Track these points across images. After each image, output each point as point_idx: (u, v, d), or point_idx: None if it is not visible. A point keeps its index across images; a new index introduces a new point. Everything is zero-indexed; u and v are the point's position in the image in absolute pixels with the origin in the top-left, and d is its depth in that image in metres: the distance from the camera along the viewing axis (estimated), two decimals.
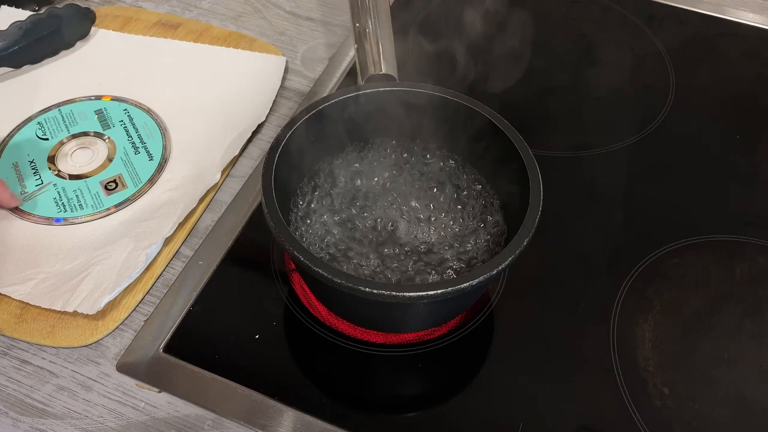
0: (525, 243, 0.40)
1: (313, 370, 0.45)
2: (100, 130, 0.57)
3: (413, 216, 0.47)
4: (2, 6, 0.66)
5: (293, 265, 0.49)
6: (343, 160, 0.50)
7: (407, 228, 0.46)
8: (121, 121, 0.58)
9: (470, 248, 0.45)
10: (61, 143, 0.56)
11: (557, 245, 0.52)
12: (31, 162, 0.54)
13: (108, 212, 0.51)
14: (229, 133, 0.57)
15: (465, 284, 0.38)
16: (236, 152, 0.56)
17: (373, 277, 0.44)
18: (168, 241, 0.50)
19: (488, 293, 0.49)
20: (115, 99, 0.59)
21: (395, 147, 0.51)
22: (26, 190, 0.52)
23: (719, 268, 0.52)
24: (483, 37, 0.63)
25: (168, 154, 0.55)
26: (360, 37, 0.53)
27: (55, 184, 0.53)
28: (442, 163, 0.50)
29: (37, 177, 0.53)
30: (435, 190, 0.49)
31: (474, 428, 0.43)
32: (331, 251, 0.45)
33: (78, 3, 0.64)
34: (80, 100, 0.59)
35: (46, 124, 0.57)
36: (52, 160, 0.55)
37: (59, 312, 0.46)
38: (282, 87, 0.63)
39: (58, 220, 0.51)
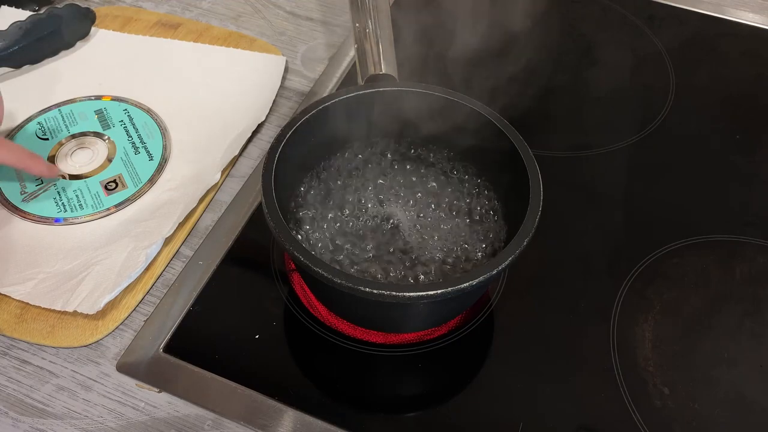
0: (525, 243, 0.40)
1: (313, 370, 0.45)
2: (100, 130, 0.57)
3: (413, 216, 0.47)
4: (2, 6, 0.66)
5: (293, 265, 0.49)
6: (343, 160, 0.50)
7: (407, 228, 0.46)
8: (121, 121, 0.58)
9: (470, 248, 0.45)
10: (61, 143, 0.56)
11: (557, 245, 0.52)
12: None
13: (108, 212, 0.51)
14: (229, 133, 0.57)
15: (465, 284, 0.38)
16: (236, 152, 0.56)
17: (373, 276, 0.44)
18: (168, 241, 0.50)
19: (488, 293, 0.49)
20: (115, 99, 0.59)
21: (395, 147, 0.51)
22: (26, 190, 0.52)
23: (719, 268, 0.52)
24: (483, 37, 0.63)
25: (168, 154, 0.55)
26: (360, 37, 0.53)
27: (55, 184, 0.53)
28: (442, 163, 0.50)
29: (37, 177, 0.53)
30: (435, 190, 0.49)
31: (474, 428, 0.43)
32: (331, 251, 0.45)
33: (78, 3, 0.64)
34: (80, 100, 0.59)
35: (46, 124, 0.57)
36: (52, 160, 0.55)
37: (59, 312, 0.46)
38: (282, 87, 0.63)
39: (58, 220, 0.51)
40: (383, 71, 0.50)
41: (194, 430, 0.42)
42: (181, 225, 0.51)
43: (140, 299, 0.48)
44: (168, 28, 0.67)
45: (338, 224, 0.46)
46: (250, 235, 0.52)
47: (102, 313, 0.46)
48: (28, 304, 0.46)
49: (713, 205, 0.56)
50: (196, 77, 0.62)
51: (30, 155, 0.50)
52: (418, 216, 0.47)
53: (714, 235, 0.54)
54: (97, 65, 0.62)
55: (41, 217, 0.51)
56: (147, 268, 0.49)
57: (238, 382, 0.44)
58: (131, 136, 0.56)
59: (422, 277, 0.44)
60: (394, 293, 0.37)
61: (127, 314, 0.47)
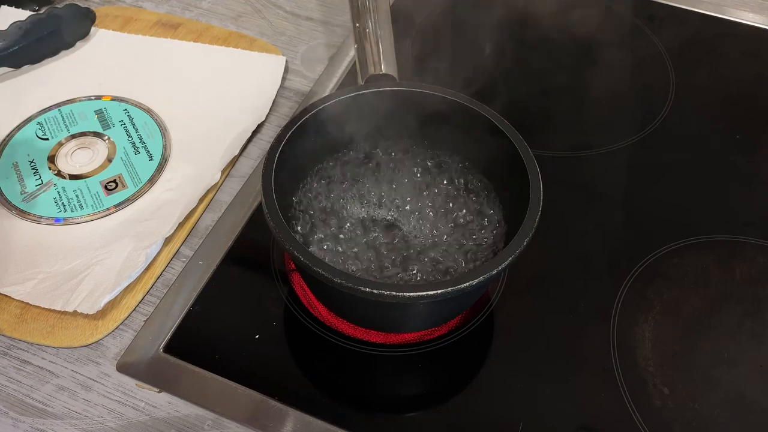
0: (525, 243, 0.40)
1: (313, 370, 0.45)
2: (100, 130, 0.57)
3: (413, 215, 0.47)
4: (2, 6, 0.66)
5: (293, 265, 0.49)
6: (342, 160, 0.50)
7: (407, 227, 0.46)
8: (121, 121, 0.58)
9: (470, 248, 0.45)
10: (61, 143, 0.56)
11: (557, 245, 0.52)
12: (31, 162, 0.54)
13: (108, 212, 0.51)
14: (229, 132, 0.57)
15: (465, 284, 0.38)
16: (236, 152, 0.56)
17: (373, 276, 0.44)
18: (168, 241, 0.50)
19: (488, 293, 0.49)
20: (115, 99, 0.59)
21: (395, 147, 0.51)
22: (26, 190, 0.52)
23: (719, 268, 0.52)
24: (483, 37, 0.63)
25: (168, 154, 0.55)
26: (360, 37, 0.53)
27: (55, 184, 0.53)
28: (442, 163, 0.50)
29: (37, 177, 0.53)
30: (435, 189, 0.49)
31: (474, 428, 0.43)
32: (331, 251, 0.45)
33: (78, 3, 0.64)
34: (80, 100, 0.59)
35: (46, 124, 0.57)
36: (52, 159, 0.55)
37: (59, 312, 0.46)
38: (282, 87, 0.63)
39: (58, 220, 0.51)
40: (383, 71, 0.50)
41: (194, 430, 0.42)
42: (181, 225, 0.51)
43: (140, 299, 0.48)
44: (168, 28, 0.67)
45: (338, 224, 0.46)
46: (250, 235, 0.52)
47: (102, 313, 0.46)
48: (28, 304, 0.46)
49: (713, 205, 0.56)
50: (196, 77, 0.62)
51: None
52: (418, 216, 0.47)
53: (714, 235, 0.54)
54: (97, 65, 0.63)
55: (41, 217, 0.51)
56: (147, 268, 0.49)
57: (238, 382, 0.44)
58: (131, 136, 0.56)
59: (422, 276, 0.44)
60: (394, 293, 0.37)
61: (127, 314, 0.47)
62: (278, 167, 0.43)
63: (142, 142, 0.56)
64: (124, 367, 0.44)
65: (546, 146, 0.58)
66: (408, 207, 0.48)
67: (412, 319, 0.44)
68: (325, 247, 0.45)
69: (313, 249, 0.45)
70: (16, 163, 0.54)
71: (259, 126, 0.59)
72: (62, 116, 0.58)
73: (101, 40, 0.65)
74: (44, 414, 0.43)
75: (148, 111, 0.58)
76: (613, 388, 0.45)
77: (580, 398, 0.44)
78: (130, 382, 0.44)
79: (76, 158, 0.55)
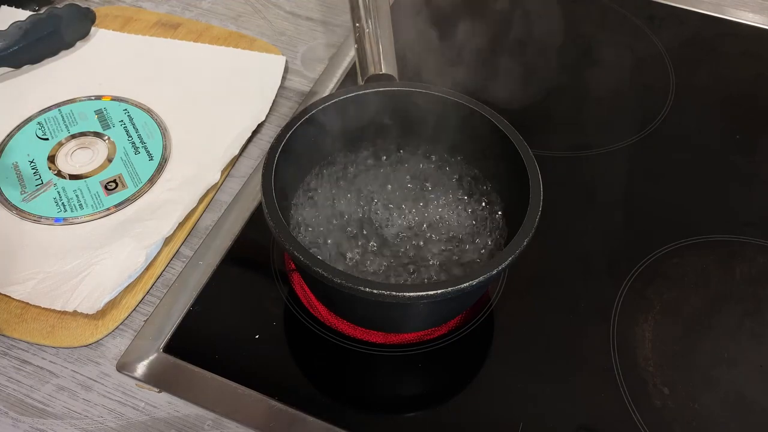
0: (525, 243, 0.40)
1: (313, 370, 0.45)
2: (100, 130, 0.57)
3: (413, 215, 0.47)
4: (2, 6, 0.66)
5: (293, 265, 0.49)
6: (342, 160, 0.50)
7: (407, 227, 0.46)
8: (121, 121, 0.58)
9: (470, 248, 0.45)
10: (61, 143, 0.56)
11: (557, 245, 0.52)
12: (31, 162, 0.54)
13: (108, 212, 0.51)
14: (229, 132, 0.57)
15: (465, 284, 0.38)
16: (236, 152, 0.56)
17: (373, 276, 0.44)
18: (168, 241, 0.50)
19: (488, 293, 0.49)
20: (115, 99, 0.59)
21: (395, 147, 0.51)
22: (26, 190, 0.52)
23: (719, 268, 0.52)
24: (483, 37, 0.63)
25: (168, 154, 0.55)
26: (360, 37, 0.53)
27: (55, 184, 0.53)
28: (441, 163, 0.50)
29: (37, 177, 0.53)
30: (435, 189, 0.49)
31: (474, 428, 0.43)
32: (331, 251, 0.45)
33: (78, 3, 0.64)
34: (80, 100, 0.59)
35: (46, 124, 0.57)
36: (52, 159, 0.55)
37: (59, 312, 0.46)
38: (282, 87, 0.63)
39: (58, 220, 0.51)
40: (383, 71, 0.50)
41: (194, 430, 0.42)
42: (181, 225, 0.51)
43: (140, 299, 0.48)
44: (168, 28, 0.67)
45: (338, 224, 0.46)
46: (250, 235, 0.52)
47: (102, 313, 0.46)
48: (28, 304, 0.46)
49: (713, 205, 0.56)
50: (196, 77, 0.62)
51: None
52: (418, 215, 0.47)
53: (714, 235, 0.54)
54: (97, 65, 0.63)
55: (41, 217, 0.51)
56: (147, 268, 0.49)
57: (238, 382, 0.44)
58: (131, 136, 0.56)
59: (422, 276, 0.44)
60: (394, 293, 0.37)
61: (127, 314, 0.47)
62: (278, 167, 0.43)
63: (142, 142, 0.56)
64: (124, 367, 0.44)
65: (546, 146, 0.58)
66: (408, 207, 0.48)
67: (412, 319, 0.44)
68: (325, 246, 0.45)
69: (312, 249, 0.45)
70: (16, 163, 0.54)
71: (259, 126, 0.59)
72: (62, 116, 0.58)
73: (101, 40, 0.65)
74: (44, 414, 0.43)
75: (148, 111, 0.58)
76: (613, 388, 0.45)
77: (580, 398, 0.44)
78: (130, 382, 0.44)
79: (76, 158, 0.55)
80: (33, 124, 0.57)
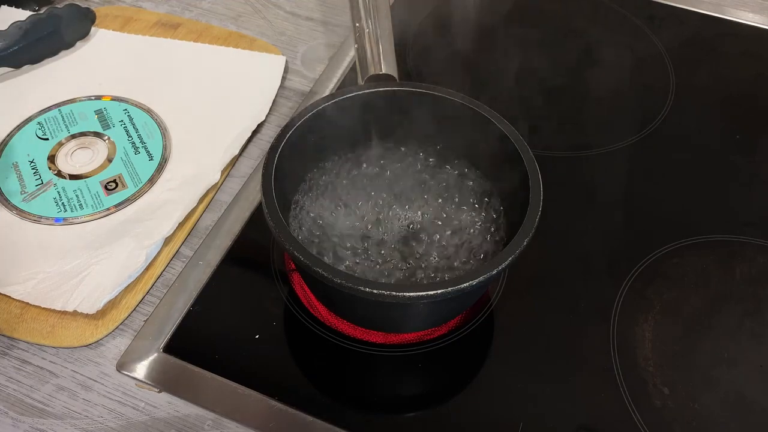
0: (525, 243, 0.40)
1: (313, 370, 0.45)
2: (100, 130, 0.57)
3: (412, 215, 0.47)
4: (2, 6, 0.66)
5: (293, 265, 0.49)
6: (342, 160, 0.50)
7: (407, 227, 0.46)
8: (121, 121, 0.58)
9: (470, 248, 0.45)
10: (61, 143, 0.56)
11: (557, 245, 0.52)
12: (31, 162, 0.54)
13: (108, 212, 0.51)
14: (228, 132, 0.57)
15: (465, 284, 0.38)
16: (236, 152, 0.56)
17: (372, 276, 0.44)
18: (168, 241, 0.50)
19: (488, 293, 0.49)
20: (115, 99, 0.59)
21: (395, 147, 0.51)
22: (26, 190, 0.52)
23: (719, 268, 0.52)
24: (483, 37, 0.63)
25: (168, 155, 0.55)
26: (360, 37, 0.53)
27: (55, 184, 0.53)
28: (441, 163, 0.50)
29: (37, 177, 0.53)
30: (435, 189, 0.49)
31: (474, 428, 0.43)
32: (331, 251, 0.45)
33: (78, 3, 0.64)
34: (80, 100, 0.59)
35: (46, 124, 0.57)
36: (52, 159, 0.55)
37: (59, 312, 0.46)
38: (282, 87, 0.63)
39: (58, 219, 0.51)
40: (383, 71, 0.50)
41: (194, 430, 0.42)
42: (181, 225, 0.51)
43: (140, 299, 0.48)
44: (168, 28, 0.67)
45: (338, 224, 0.46)
46: (250, 235, 0.52)
47: (102, 313, 0.46)
48: (28, 304, 0.46)
49: (713, 205, 0.56)
50: (196, 77, 0.62)
51: None
52: (418, 216, 0.47)
53: (714, 235, 0.54)
54: (97, 65, 0.63)
55: (41, 216, 0.51)
56: (147, 268, 0.49)
57: (238, 382, 0.44)
58: (131, 136, 0.56)
59: (422, 276, 0.44)
60: (394, 293, 0.37)
61: (127, 314, 0.47)
62: (278, 167, 0.43)
63: (142, 142, 0.56)
64: (124, 367, 0.44)
65: (546, 146, 0.58)
66: (408, 207, 0.48)
67: (412, 319, 0.44)
68: (325, 246, 0.45)
69: (312, 249, 0.45)
70: (16, 163, 0.54)
71: (259, 126, 0.59)
72: (62, 116, 0.58)
73: (101, 40, 0.65)
74: (44, 414, 0.43)
75: (148, 111, 0.58)
76: (613, 388, 0.45)
77: (580, 398, 0.44)
78: (130, 382, 0.44)
79: (76, 158, 0.55)
80: (33, 124, 0.57)
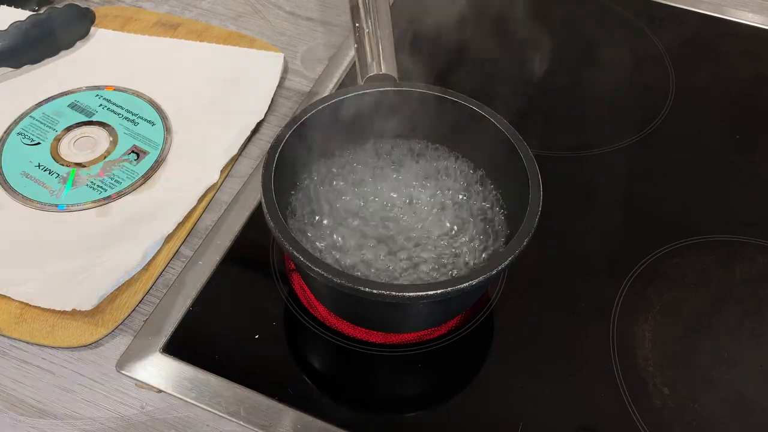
0: (525, 243, 0.40)
1: (313, 371, 0.45)
2: (85, 119, 0.57)
3: (413, 215, 0.47)
4: (2, 6, 0.66)
5: (293, 265, 0.49)
6: (342, 160, 0.50)
7: (406, 227, 0.46)
8: (100, 104, 0.58)
9: (470, 248, 0.45)
10: (58, 138, 0.56)
11: (557, 245, 0.52)
12: (38, 165, 0.54)
13: (146, 179, 0.53)
14: (228, 131, 0.57)
15: (465, 284, 0.38)
16: (236, 151, 0.56)
17: (372, 276, 0.44)
18: (168, 241, 0.50)
19: (488, 293, 0.49)
20: (116, 89, 0.60)
21: (395, 147, 0.51)
22: (60, 194, 0.52)
23: (719, 268, 0.52)
24: (483, 37, 0.63)
25: (167, 154, 0.56)
26: (360, 37, 0.53)
27: (79, 174, 0.53)
28: (441, 163, 0.50)
29: (56, 175, 0.53)
30: (434, 189, 0.49)
31: (474, 428, 0.43)
32: (331, 251, 0.45)
33: (78, 3, 0.64)
34: (55, 99, 0.59)
35: (27, 131, 0.56)
36: (55, 149, 0.55)
37: (59, 312, 0.46)
38: (282, 87, 0.63)
39: (98, 204, 0.52)
40: (383, 71, 0.50)
41: (194, 430, 0.42)
42: (181, 225, 0.51)
43: (140, 299, 0.48)
44: (168, 28, 0.67)
45: (338, 224, 0.46)
46: (250, 235, 0.52)
47: (102, 313, 0.46)
48: (28, 304, 0.46)
49: (713, 205, 0.56)
50: (195, 76, 0.62)
51: None
52: (418, 215, 0.47)
53: (714, 235, 0.54)
54: (97, 65, 0.62)
55: (82, 204, 0.51)
56: (147, 268, 0.49)
57: (238, 382, 0.44)
58: (120, 115, 0.58)
59: (422, 276, 0.44)
60: (394, 293, 0.37)
61: (127, 314, 0.47)
62: (278, 167, 0.43)
63: (134, 114, 0.57)
64: (124, 367, 0.44)
65: (546, 146, 0.58)
66: (408, 206, 0.48)
67: (412, 319, 0.44)
68: (325, 246, 0.45)
69: (312, 249, 0.45)
70: (26, 172, 0.53)
71: (259, 125, 0.59)
72: (38, 120, 0.57)
73: (101, 40, 0.65)
74: (44, 414, 0.43)
75: (150, 101, 0.59)
76: (613, 388, 0.45)
77: (580, 398, 0.44)
78: (130, 382, 0.44)
79: (81, 146, 0.55)
80: (14, 136, 0.56)
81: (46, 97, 0.59)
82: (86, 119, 0.57)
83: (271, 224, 0.40)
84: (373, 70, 0.51)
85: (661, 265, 0.51)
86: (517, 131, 0.45)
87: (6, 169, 0.54)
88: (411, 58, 0.55)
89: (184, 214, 0.51)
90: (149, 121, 0.57)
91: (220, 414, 0.43)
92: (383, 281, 0.43)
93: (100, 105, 0.58)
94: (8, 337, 0.46)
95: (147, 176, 0.54)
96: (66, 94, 0.59)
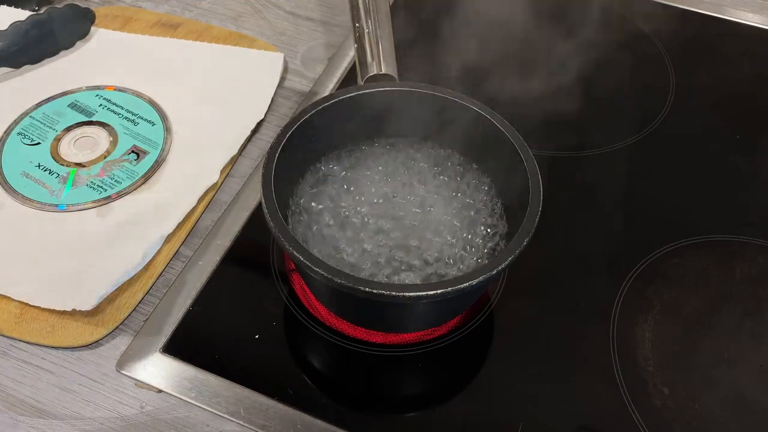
0: (525, 243, 0.40)
1: (313, 370, 0.45)
2: (84, 119, 0.57)
3: (413, 215, 0.47)
4: (2, 6, 0.66)
5: (293, 265, 0.49)
6: (342, 160, 0.50)
7: (407, 227, 0.46)
8: (101, 105, 0.58)
9: (470, 248, 0.45)
10: (58, 138, 0.56)
11: (557, 245, 0.52)
12: (38, 165, 0.54)
13: (145, 179, 0.53)
14: (228, 131, 0.57)
15: (465, 284, 0.38)
16: (236, 151, 0.56)
17: (372, 276, 0.44)
18: (168, 241, 0.50)
19: (488, 293, 0.49)
20: (117, 90, 0.60)
21: (395, 147, 0.51)
22: (60, 194, 0.52)
23: (719, 268, 0.52)
24: (483, 37, 0.63)
25: (168, 149, 0.56)
26: (360, 37, 0.53)
27: (79, 174, 0.53)
28: (441, 163, 0.50)
29: (56, 175, 0.53)
30: (434, 189, 0.49)
31: (474, 428, 0.43)
32: (331, 251, 0.45)
33: (78, 3, 0.64)
34: (79, 91, 0.59)
35: (27, 131, 0.56)
36: (55, 149, 0.55)
37: (59, 312, 0.46)
38: (282, 87, 0.63)
39: (108, 198, 0.52)
40: (383, 71, 0.50)
41: (194, 430, 0.42)
42: (181, 225, 0.51)
43: (140, 299, 0.48)
44: (168, 28, 0.67)
45: (338, 224, 0.46)
46: (250, 235, 0.52)
47: (102, 313, 0.46)
48: (28, 304, 0.46)
49: (713, 205, 0.56)
50: (195, 76, 0.62)
51: None
52: (418, 215, 0.47)
53: (714, 235, 0.54)
54: (97, 65, 0.62)
55: (82, 204, 0.51)
56: (147, 268, 0.49)
57: (238, 382, 0.44)
58: (119, 114, 0.58)
59: (422, 277, 0.44)
60: (394, 293, 0.37)
61: (127, 314, 0.47)
62: (278, 167, 0.43)
63: (133, 114, 0.57)
64: (123, 367, 0.44)
65: (546, 146, 0.58)
66: (408, 206, 0.48)
67: (412, 319, 0.44)
68: (326, 246, 0.45)
69: (312, 249, 0.45)
70: (26, 172, 0.53)
71: (259, 125, 0.59)
72: (38, 121, 0.57)
73: (101, 40, 0.65)
74: (44, 414, 0.43)
75: (150, 101, 0.59)
76: (613, 388, 0.45)
77: (580, 398, 0.44)
78: (130, 382, 0.44)
79: (81, 146, 0.55)
80: (14, 136, 0.56)
81: (46, 97, 0.59)
82: (86, 119, 0.57)
83: (271, 224, 0.40)
84: (373, 70, 0.51)
85: (661, 265, 0.51)
86: (517, 131, 0.45)
87: (6, 169, 0.54)
88: (410, 56, 0.55)
89: (184, 214, 0.51)
90: (149, 121, 0.57)
91: (220, 414, 0.43)
92: (383, 281, 0.43)
93: (100, 105, 0.58)
94: (8, 337, 0.46)
95: (147, 176, 0.54)
96: (66, 94, 0.59)
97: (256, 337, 0.46)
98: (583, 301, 0.49)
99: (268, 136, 0.59)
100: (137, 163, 0.54)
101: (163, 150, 0.55)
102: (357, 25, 0.54)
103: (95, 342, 0.46)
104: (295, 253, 0.39)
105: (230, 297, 0.49)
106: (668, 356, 0.46)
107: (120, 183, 0.53)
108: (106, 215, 0.51)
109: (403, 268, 0.44)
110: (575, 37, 0.70)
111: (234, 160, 0.57)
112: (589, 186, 0.57)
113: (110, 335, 0.46)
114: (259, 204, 0.46)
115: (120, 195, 0.52)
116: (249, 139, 0.58)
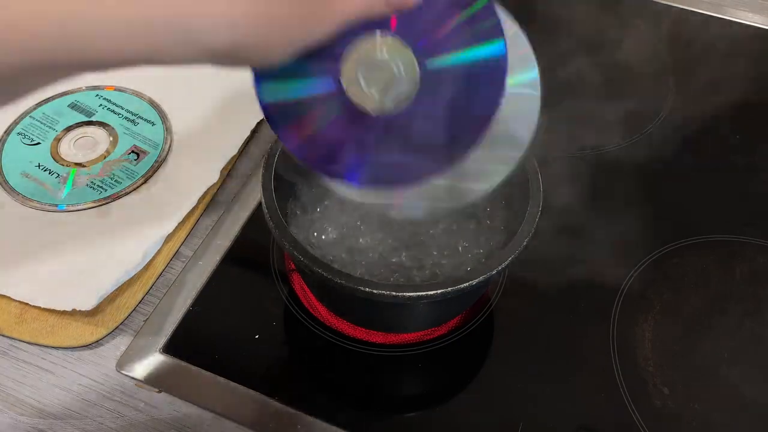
0: (525, 243, 0.40)
1: (313, 370, 0.45)
2: (84, 119, 0.57)
3: (412, 215, 0.47)
4: None
5: (293, 265, 0.49)
6: None
7: (407, 228, 0.46)
8: (101, 105, 0.58)
9: (470, 248, 0.45)
10: (58, 139, 0.56)
11: (557, 245, 0.52)
12: (38, 165, 0.54)
13: (145, 179, 0.53)
14: (228, 131, 0.57)
15: (465, 284, 0.38)
16: (236, 151, 0.56)
17: (372, 276, 0.44)
18: (168, 240, 0.50)
19: (488, 293, 0.49)
20: (117, 90, 0.60)
21: None
22: (60, 194, 0.52)
23: (719, 268, 0.52)
24: None
25: (168, 149, 0.56)
26: None
27: (79, 174, 0.53)
28: None
29: (56, 175, 0.53)
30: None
31: (474, 428, 0.43)
32: (331, 251, 0.45)
33: None
34: (80, 92, 0.59)
35: (26, 131, 0.56)
36: (55, 150, 0.55)
37: (59, 312, 0.46)
38: None
39: (98, 205, 0.51)
40: None
41: (194, 430, 0.42)
42: (181, 225, 0.51)
43: (140, 299, 0.48)
44: None
45: (338, 224, 0.46)
46: (250, 235, 0.52)
47: (102, 313, 0.46)
48: (28, 304, 0.46)
49: (713, 205, 0.56)
50: (195, 76, 0.62)
51: None
52: (417, 215, 0.47)
53: (714, 235, 0.54)
54: None
55: (82, 206, 0.51)
56: (147, 268, 0.49)
57: (238, 382, 0.44)
58: (120, 115, 0.57)
59: (422, 276, 0.44)
60: (394, 293, 0.37)
61: (127, 314, 0.47)
62: (278, 167, 0.43)
63: (133, 114, 0.57)
64: (124, 367, 0.44)
65: (546, 146, 0.58)
66: (407, 206, 0.47)
67: (412, 319, 0.44)
68: (325, 246, 0.45)
69: (312, 249, 0.45)
70: (25, 173, 0.53)
71: (259, 125, 0.59)
72: (38, 120, 0.57)
73: None
74: (44, 414, 0.43)
75: (150, 101, 0.59)
76: (613, 388, 0.45)
77: (580, 398, 0.44)
78: (130, 382, 0.44)
79: (81, 146, 0.55)
80: (14, 135, 0.56)
81: (46, 97, 0.59)
82: (86, 119, 0.57)
83: (271, 224, 0.40)
84: None
85: (661, 265, 0.51)
86: None
87: (6, 169, 0.53)
88: None
89: (184, 214, 0.51)
90: (149, 121, 0.57)
91: (220, 414, 0.43)
92: (383, 281, 0.43)
93: (100, 105, 0.58)
94: (8, 337, 0.46)
95: (147, 176, 0.54)
96: (66, 94, 0.59)
97: (256, 337, 0.46)
98: (583, 301, 0.49)
99: (268, 136, 0.59)
100: (137, 163, 0.54)
101: (163, 150, 0.55)
102: None
103: (95, 342, 0.46)
104: (295, 253, 0.39)
105: (230, 297, 0.49)
106: (668, 356, 0.46)
107: (120, 183, 0.53)
108: (106, 215, 0.51)
109: (403, 268, 0.44)
110: (575, 36, 0.70)
111: (234, 160, 0.57)
112: (589, 186, 0.57)
113: (110, 335, 0.46)
114: (259, 204, 0.46)
115: (120, 195, 0.52)
116: (249, 139, 0.58)
